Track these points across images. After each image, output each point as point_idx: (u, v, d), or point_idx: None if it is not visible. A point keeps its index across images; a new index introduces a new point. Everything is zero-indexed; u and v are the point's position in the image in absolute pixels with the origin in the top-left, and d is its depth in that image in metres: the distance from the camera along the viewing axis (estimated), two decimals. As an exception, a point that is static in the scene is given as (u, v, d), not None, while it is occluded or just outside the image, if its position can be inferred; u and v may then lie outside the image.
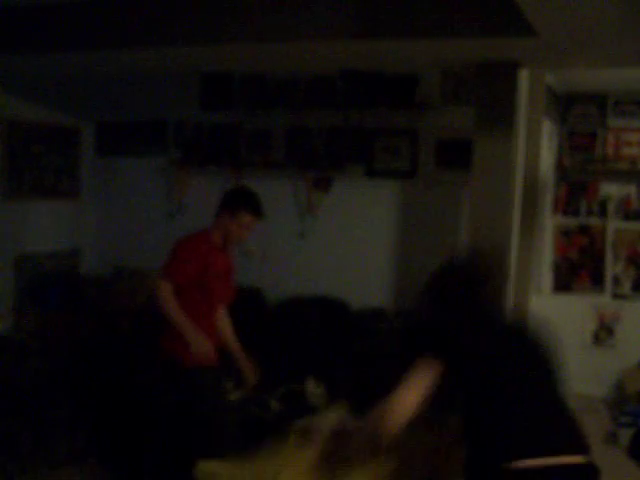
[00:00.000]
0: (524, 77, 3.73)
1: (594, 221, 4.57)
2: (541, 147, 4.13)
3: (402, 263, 4.66)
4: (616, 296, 4.54)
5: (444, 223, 4.53)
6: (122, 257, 5.34)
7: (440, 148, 4.51)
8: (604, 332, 4.59)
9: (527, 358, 2.17)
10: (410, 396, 2.09)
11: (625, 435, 4.04)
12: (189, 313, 3.17)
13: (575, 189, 4.62)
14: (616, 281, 4.54)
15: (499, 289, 2.47)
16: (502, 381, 2.09)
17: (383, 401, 2.10)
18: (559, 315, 4.54)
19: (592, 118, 4.60)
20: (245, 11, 3.39)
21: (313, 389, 4.20)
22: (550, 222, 4.60)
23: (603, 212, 4.56)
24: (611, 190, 4.56)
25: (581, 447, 2.05)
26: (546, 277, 4.62)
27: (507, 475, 1.96)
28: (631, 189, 4.52)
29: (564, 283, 4.63)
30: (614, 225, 4.55)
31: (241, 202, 3.29)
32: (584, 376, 4.22)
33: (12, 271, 4.87)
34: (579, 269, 4.61)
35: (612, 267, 4.53)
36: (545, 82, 4.01)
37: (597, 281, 4.57)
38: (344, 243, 4.79)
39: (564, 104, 4.64)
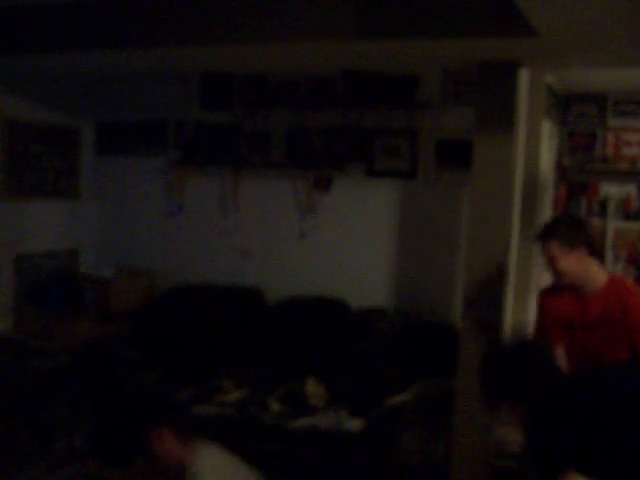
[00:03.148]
0: (524, 77, 3.72)
1: (594, 221, 4.57)
2: (541, 147, 4.13)
3: (402, 263, 4.66)
4: (616, 296, 4.53)
5: (444, 223, 4.53)
6: (122, 257, 5.34)
7: (440, 148, 4.51)
8: (604, 332, 4.58)
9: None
10: None
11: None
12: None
13: (575, 189, 4.61)
14: (616, 281, 4.53)
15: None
16: None
17: None
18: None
19: (592, 118, 4.60)
20: (245, 11, 3.38)
21: (313, 389, 4.20)
22: (550, 222, 4.60)
23: (603, 212, 4.55)
24: (611, 190, 4.56)
25: None
26: (546, 277, 4.61)
27: None
28: (631, 189, 4.52)
29: (564, 283, 4.62)
30: (614, 225, 4.55)
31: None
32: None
33: (12, 271, 4.86)
34: (579, 269, 4.59)
35: (612, 267, 4.53)
36: (545, 82, 4.01)
37: (597, 281, 4.56)
38: (344, 243, 4.79)
39: (564, 104, 4.63)
